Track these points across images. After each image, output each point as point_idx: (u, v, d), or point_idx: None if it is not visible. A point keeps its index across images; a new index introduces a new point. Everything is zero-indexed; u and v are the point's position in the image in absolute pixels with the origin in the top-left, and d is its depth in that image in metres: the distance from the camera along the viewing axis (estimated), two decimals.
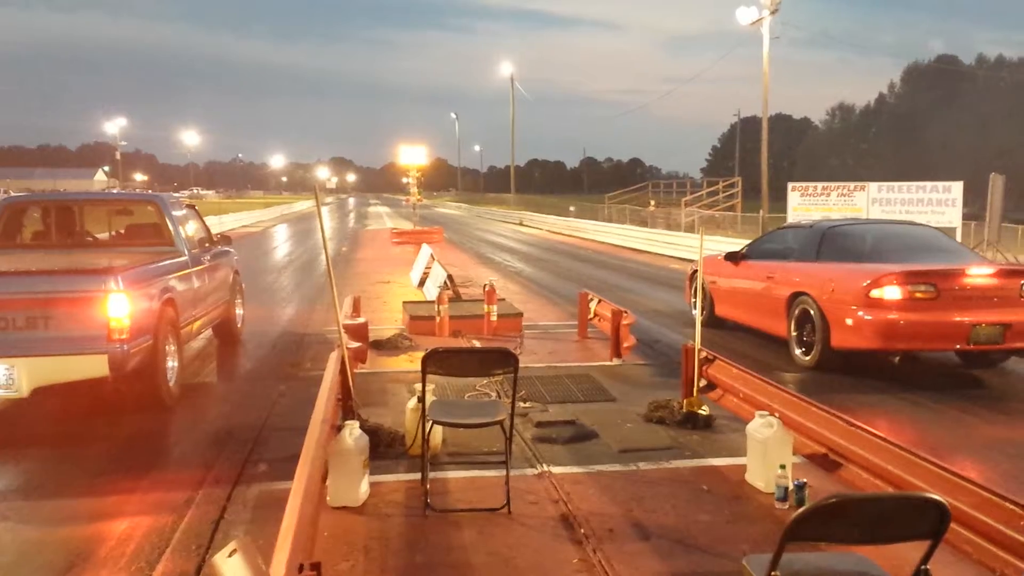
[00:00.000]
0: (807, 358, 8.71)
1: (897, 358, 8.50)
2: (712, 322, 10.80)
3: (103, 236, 9.07)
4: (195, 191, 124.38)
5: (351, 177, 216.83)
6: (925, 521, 2.43)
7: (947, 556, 3.49)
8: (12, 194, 11.00)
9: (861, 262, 8.62)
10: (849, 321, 8.13)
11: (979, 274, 8.20)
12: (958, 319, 7.81)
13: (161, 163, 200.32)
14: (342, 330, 6.13)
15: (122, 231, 9.01)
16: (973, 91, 70.32)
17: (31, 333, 6.13)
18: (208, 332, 9.64)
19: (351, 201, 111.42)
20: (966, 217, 20.55)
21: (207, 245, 9.27)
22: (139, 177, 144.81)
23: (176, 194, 10.46)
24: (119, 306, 6.23)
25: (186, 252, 8.28)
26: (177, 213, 8.68)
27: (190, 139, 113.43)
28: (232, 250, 10.40)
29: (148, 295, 6.76)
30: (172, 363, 7.25)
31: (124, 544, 4.37)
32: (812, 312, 8.60)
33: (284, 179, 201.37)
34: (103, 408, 7.02)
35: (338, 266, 19.50)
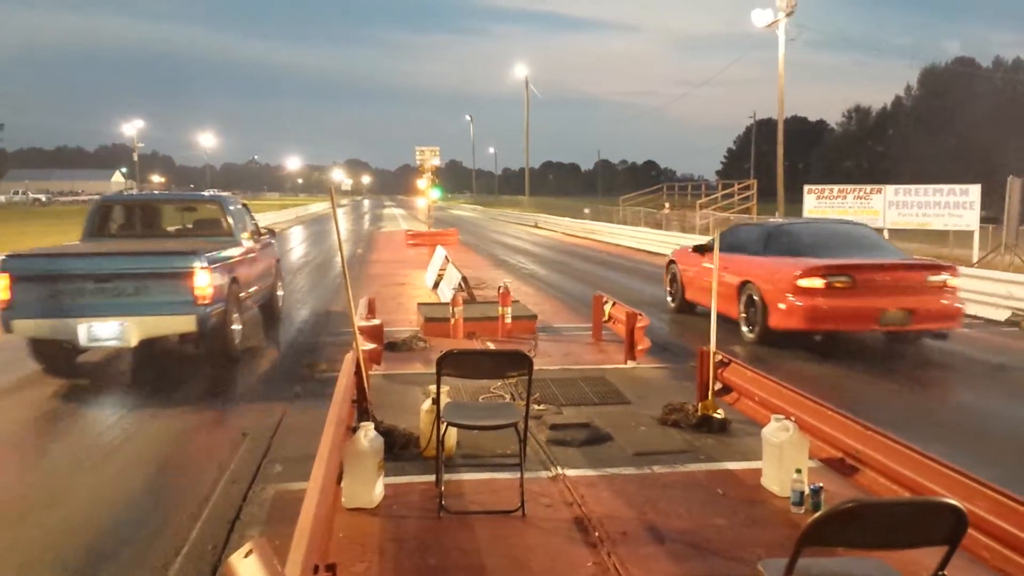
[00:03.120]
0: (752, 335, 10.30)
1: (819, 336, 10.00)
2: (683, 307, 12.83)
3: (174, 228, 10.84)
4: (211, 193, 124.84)
5: (366, 179, 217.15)
6: (942, 526, 2.42)
7: (964, 562, 3.46)
8: (105, 195, 13.42)
9: (796, 256, 10.07)
10: (782, 305, 9.71)
11: (890, 267, 9.76)
12: (870, 305, 9.27)
13: (178, 165, 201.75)
14: (357, 332, 6.16)
15: (189, 225, 10.84)
16: (991, 93, 69.76)
17: (138, 298, 8.00)
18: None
19: (366, 203, 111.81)
20: (984, 220, 20.37)
21: (256, 236, 11.00)
22: (156, 178, 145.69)
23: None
24: (204, 279, 8.10)
25: (242, 242, 10.09)
26: (234, 210, 10.55)
27: (206, 141, 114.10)
28: (274, 241, 12.21)
29: (222, 272, 8.62)
30: (237, 326, 9.22)
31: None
32: (756, 297, 10.18)
33: (300, 181, 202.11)
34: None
35: (353, 268, 19.56)
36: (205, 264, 8.13)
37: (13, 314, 7.90)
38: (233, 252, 9.39)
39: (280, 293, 12.38)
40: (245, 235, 10.43)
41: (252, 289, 10.14)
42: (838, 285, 9.36)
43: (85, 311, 7.91)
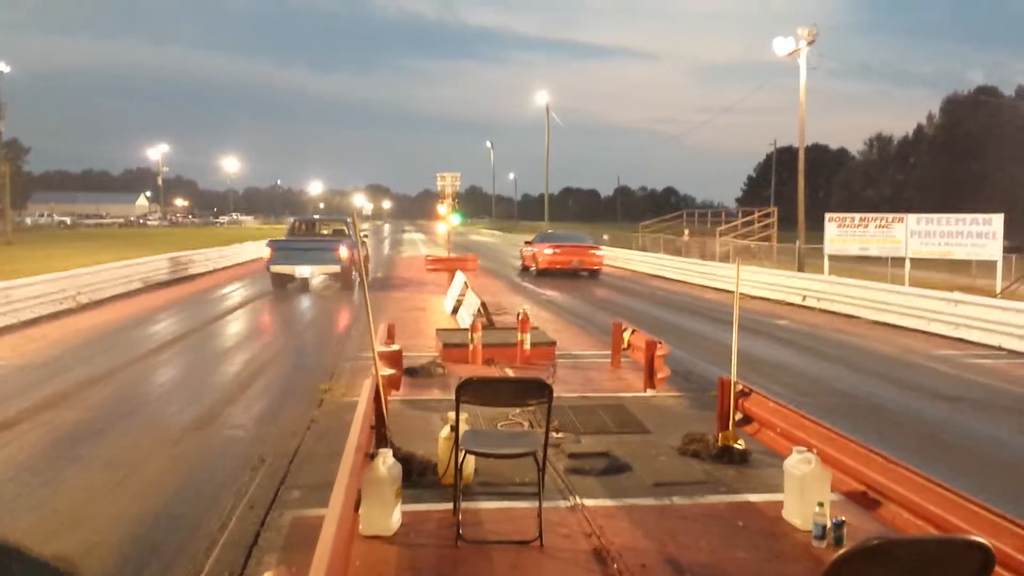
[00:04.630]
0: (535, 272, 27.20)
1: (555, 271, 26.60)
2: (523, 269, 29.18)
3: (325, 232, 23.65)
4: (234, 216, 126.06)
5: (387, 204, 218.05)
6: (969, 564, 2.37)
7: None
8: (296, 216, 27.41)
9: (548, 243, 27.60)
10: (541, 259, 27.08)
11: (576, 245, 27.78)
12: (567, 259, 26.83)
13: (201, 189, 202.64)
14: (376, 358, 6.17)
15: (330, 232, 23.42)
16: (1013, 122, 69.24)
17: (318, 257, 20.47)
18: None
19: (386, 228, 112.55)
20: (1007, 250, 20.17)
21: (361, 236, 19.98)
22: (180, 202, 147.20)
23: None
24: (344, 250, 20.44)
25: (354, 239, 19.51)
26: (351, 224, 21.33)
27: (230, 166, 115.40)
28: (367, 240, 28.39)
29: (348, 249, 20.44)
30: (355, 276, 20.68)
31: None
32: (537, 258, 27.27)
33: (321, 205, 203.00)
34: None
35: (374, 293, 19.63)
36: (343, 246, 20.17)
37: (271, 263, 20.03)
38: (352, 243, 20.53)
39: (371, 265, 25.50)
40: (355, 236, 18.03)
41: (358, 261, 21.20)
42: (557, 251, 26.70)
43: (298, 262, 20.03)
